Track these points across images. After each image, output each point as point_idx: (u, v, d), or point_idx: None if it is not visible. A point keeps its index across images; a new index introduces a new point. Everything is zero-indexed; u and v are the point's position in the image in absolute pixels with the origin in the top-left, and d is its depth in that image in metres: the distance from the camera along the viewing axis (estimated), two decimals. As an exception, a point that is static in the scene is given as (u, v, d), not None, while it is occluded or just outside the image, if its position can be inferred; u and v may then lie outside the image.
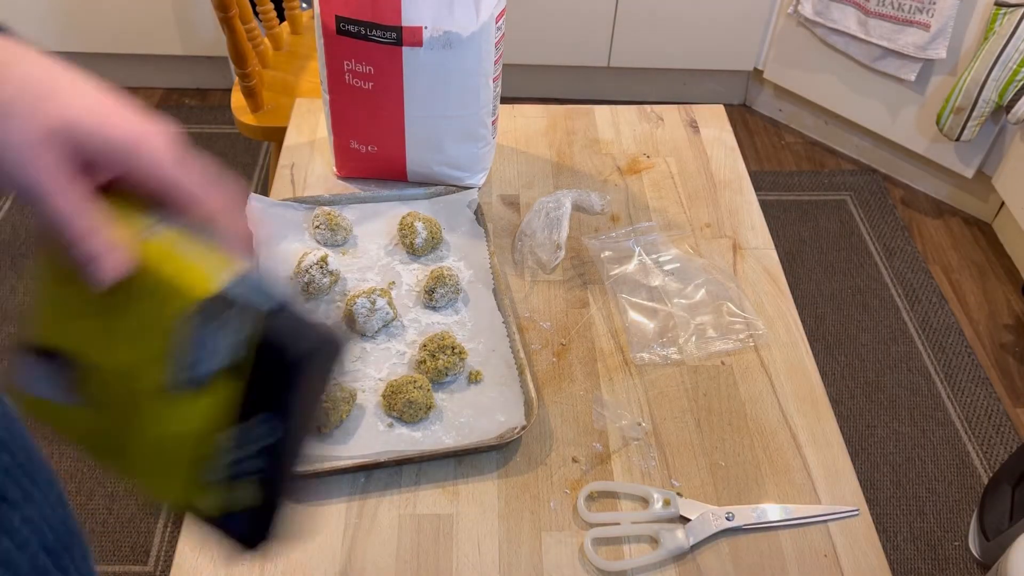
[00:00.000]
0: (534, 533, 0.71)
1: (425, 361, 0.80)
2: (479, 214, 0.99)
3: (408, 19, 0.89)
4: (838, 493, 0.74)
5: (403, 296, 0.90)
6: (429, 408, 0.77)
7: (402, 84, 0.93)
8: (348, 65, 0.93)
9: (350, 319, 0.84)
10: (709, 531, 0.70)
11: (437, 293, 0.87)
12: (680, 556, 0.69)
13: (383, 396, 0.78)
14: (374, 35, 0.90)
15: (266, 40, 1.76)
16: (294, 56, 1.78)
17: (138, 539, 1.50)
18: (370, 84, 0.94)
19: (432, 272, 0.88)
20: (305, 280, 0.86)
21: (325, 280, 0.87)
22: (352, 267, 0.93)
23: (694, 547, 0.70)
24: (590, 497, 0.73)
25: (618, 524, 0.71)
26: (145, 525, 1.52)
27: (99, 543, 1.50)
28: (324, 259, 0.87)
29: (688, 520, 0.71)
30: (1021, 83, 1.90)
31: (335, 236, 0.94)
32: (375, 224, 0.98)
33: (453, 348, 0.80)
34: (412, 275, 0.92)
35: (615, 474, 0.75)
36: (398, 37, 0.89)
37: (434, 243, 0.94)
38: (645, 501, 0.73)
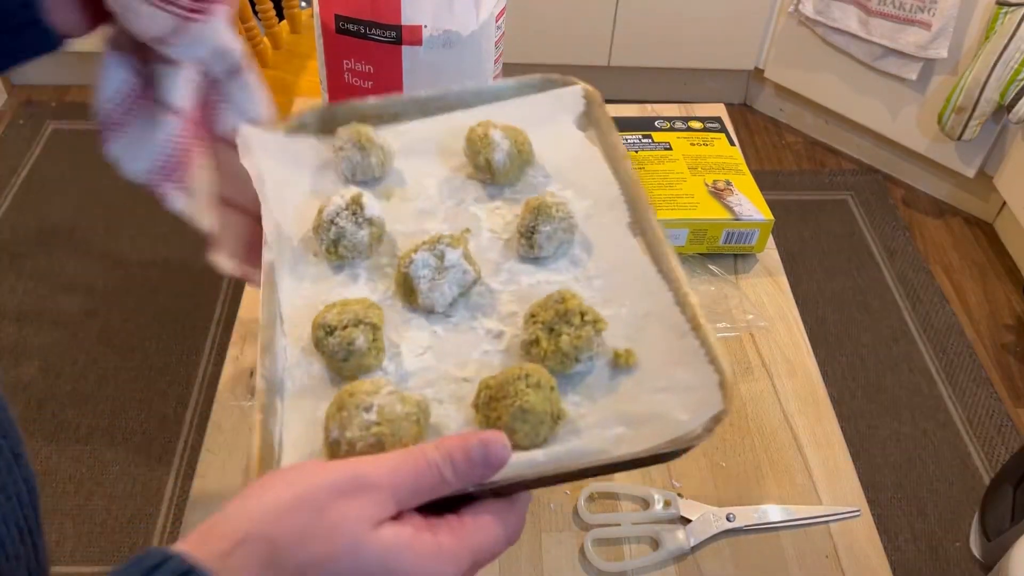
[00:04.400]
0: (534, 533, 0.70)
1: (538, 341, 0.51)
2: (594, 111, 0.69)
3: (408, 18, 0.88)
4: (839, 494, 0.74)
5: (484, 248, 0.60)
6: (557, 419, 0.49)
7: (402, 83, 0.93)
8: (348, 64, 0.93)
9: (407, 289, 0.56)
10: (710, 532, 0.70)
11: (541, 233, 0.58)
12: (681, 557, 0.69)
13: (476, 407, 0.50)
14: (374, 34, 0.90)
15: (265, 39, 1.75)
16: (293, 55, 1.77)
17: (138, 539, 1.50)
18: (370, 83, 0.94)
19: (528, 203, 0.59)
20: (332, 236, 0.58)
21: (362, 233, 0.58)
22: (402, 214, 0.63)
23: (695, 548, 0.70)
24: (590, 498, 0.73)
25: (618, 525, 0.71)
26: (145, 525, 1.52)
27: (99, 543, 1.50)
28: (357, 199, 0.58)
29: (689, 521, 0.71)
30: (1022, 83, 1.89)
31: (367, 160, 0.63)
32: (428, 149, 0.68)
33: (583, 315, 0.51)
34: (496, 216, 0.63)
35: (615, 475, 0.75)
36: (398, 36, 0.89)
37: (523, 161, 0.64)
38: (645, 502, 0.73)
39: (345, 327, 0.52)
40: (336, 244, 0.58)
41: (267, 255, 0.58)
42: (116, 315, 1.88)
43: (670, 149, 1.00)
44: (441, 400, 0.52)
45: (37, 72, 2.55)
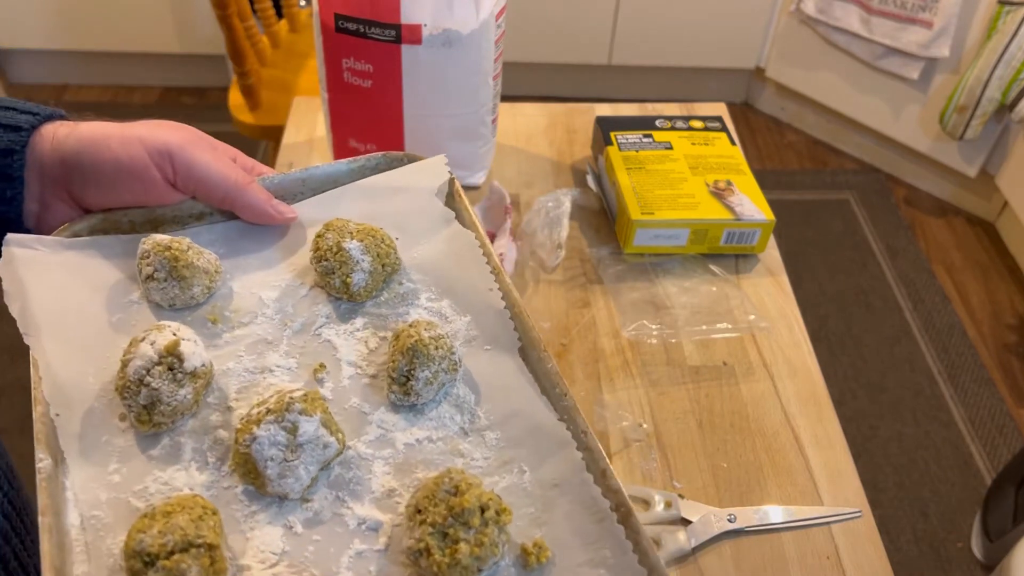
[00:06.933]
0: (534, 535, 0.70)
1: (430, 550, 0.41)
2: (455, 198, 0.60)
3: (407, 17, 0.88)
4: (841, 494, 0.73)
5: (346, 391, 0.49)
6: None
7: (401, 82, 0.92)
8: (347, 63, 0.93)
9: (249, 471, 0.44)
10: (711, 533, 0.70)
11: (418, 380, 0.48)
12: (682, 558, 0.69)
13: None
14: (373, 33, 0.89)
15: (264, 38, 1.75)
16: (292, 54, 1.77)
17: (137, 540, 1.50)
18: (369, 82, 0.93)
19: (399, 338, 0.49)
20: (143, 401, 0.45)
21: (183, 392, 0.45)
22: (233, 347, 0.50)
23: (696, 549, 0.69)
24: (590, 499, 0.72)
25: (619, 526, 0.70)
26: (144, 526, 1.52)
27: (98, 544, 1.49)
28: (173, 350, 0.45)
29: (690, 522, 0.70)
30: (1024, 82, 1.89)
31: (188, 292, 0.52)
32: (267, 253, 0.56)
33: (482, 508, 0.41)
34: (357, 343, 0.52)
35: (616, 476, 0.74)
36: (397, 35, 0.89)
37: (388, 274, 0.54)
38: (646, 503, 0.72)
39: (171, 554, 0.38)
40: (150, 411, 0.45)
41: (43, 438, 0.43)
42: (116, 315, 1.88)
43: (671, 148, 1.00)
44: None
45: (34, 71, 2.55)
